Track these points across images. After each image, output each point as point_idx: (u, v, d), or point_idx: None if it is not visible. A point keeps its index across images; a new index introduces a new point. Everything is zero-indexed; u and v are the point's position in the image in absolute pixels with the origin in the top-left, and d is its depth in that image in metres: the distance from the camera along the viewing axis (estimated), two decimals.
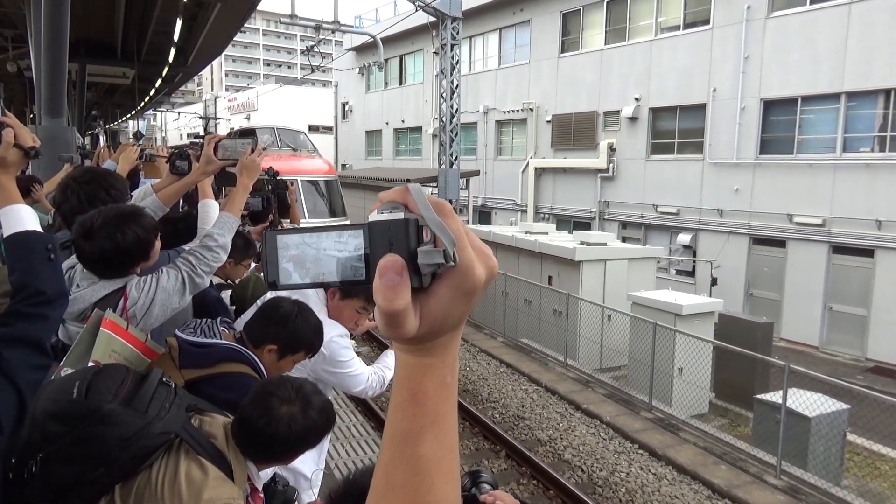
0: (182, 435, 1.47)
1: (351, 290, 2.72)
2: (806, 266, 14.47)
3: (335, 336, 2.61)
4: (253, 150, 2.57)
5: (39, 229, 1.62)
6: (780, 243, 15.02)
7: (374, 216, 0.55)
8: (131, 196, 2.83)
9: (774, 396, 8.33)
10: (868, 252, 13.41)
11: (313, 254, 0.56)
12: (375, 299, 0.53)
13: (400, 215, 0.54)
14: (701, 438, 8.52)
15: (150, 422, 1.40)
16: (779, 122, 15.17)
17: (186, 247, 2.61)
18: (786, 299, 14.95)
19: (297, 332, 2.18)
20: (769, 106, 15.26)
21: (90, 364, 1.81)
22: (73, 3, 7.41)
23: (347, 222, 15.72)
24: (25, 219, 1.59)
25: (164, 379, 1.52)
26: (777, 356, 12.48)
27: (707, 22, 16.43)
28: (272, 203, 4.70)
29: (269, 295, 2.54)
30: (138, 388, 1.44)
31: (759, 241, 15.53)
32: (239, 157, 2.57)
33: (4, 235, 1.59)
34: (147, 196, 2.76)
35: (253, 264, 3.75)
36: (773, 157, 15.12)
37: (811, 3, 14.27)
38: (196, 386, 1.95)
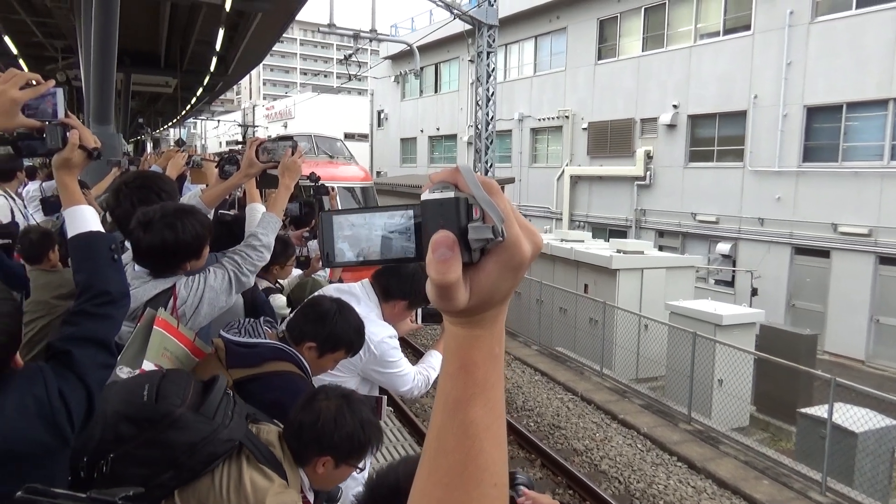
0: (245, 442, 1.51)
1: (393, 292, 2.74)
2: (851, 277, 14.04)
3: (386, 337, 2.63)
4: (293, 152, 2.62)
5: (101, 229, 1.66)
6: (824, 253, 14.62)
7: (426, 195, 0.57)
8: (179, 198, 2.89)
9: (819, 411, 8.09)
10: None
11: (366, 234, 0.59)
12: (428, 273, 0.56)
13: (450, 194, 0.56)
14: (742, 452, 8.31)
15: (217, 428, 1.43)
16: (823, 130, 14.80)
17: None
18: (830, 311, 14.53)
19: (336, 330, 2.19)
20: (813, 113, 14.89)
21: (145, 363, 1.85)
22: (120, 15, 7.64)
23: None
24: (89, 219, 1.63)
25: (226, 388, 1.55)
26: (821, 369, 12.12)
27: (748, 27, 16.15)
28: (315, 208, 4.77)
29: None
30: (204, 394, 1.48)
31: (801, 250, 15.14)
32: (280, 160, 2.62)
33: (69, 236, 1.63)
34: (192, 200, 2.82)
35: (300, 270, 3.81)
36: (817, 165, 14.74)
37: (857, 7, 13.91)
38: (243, 385, 1.97)
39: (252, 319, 2.24)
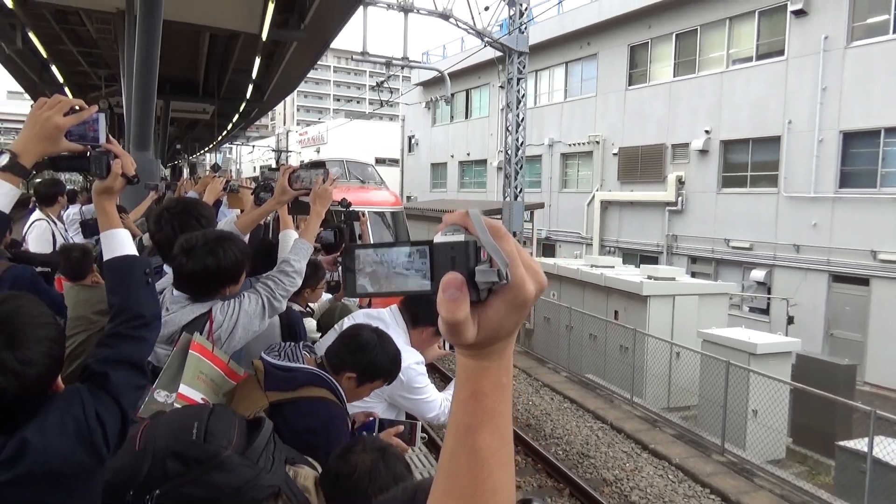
0: (284, 489, 1.52)
1: (421, 318, 2.77)
2: (892, 306, 13.65)
3: (413, 363, 2.66)
4: (325, 180, 2.68)
5: (136, 253, 1.72)
6: (863, 281, 14.26)
7: (439, 238, 0.63)
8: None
9: (859, 444, 7.84)
10: None
11: (385, 271, 0.65)
12: (439, 311, 0.61)
13: (461, 237, 0.62)
14: (777, 485, 8.08)
15: (259, 473, 1.44)
16: (860, 155, 14.53)
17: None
18: (870, 341, 14.11)
19: (376, 361, 2.22)
20: (849, 138, 14.65)
21: (182, 386, 1.90)
22: (161, 45, 7.92)
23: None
24: (125, 243, 1.68)
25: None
26: (861, 401, 11.75)
27: (781, 53, 16.02)
28: (345, 233, 4.85)
29: (348, 322, 2.61)
30: (250, 435, 1.49)
31: (839, 278, 14.79)
32: (312, 187, 2.69)
33: (105, 258, 1.68)
34: (228, 227, 2.91)
35: (330, 295, 3.88)
36: (854, 191, 14.45)
37: (895, 31, 13.73)
38: (279, 408, 2.01)
39: (292, 344, 2.29)
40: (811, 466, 9.68)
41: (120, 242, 1.68)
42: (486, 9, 16.03)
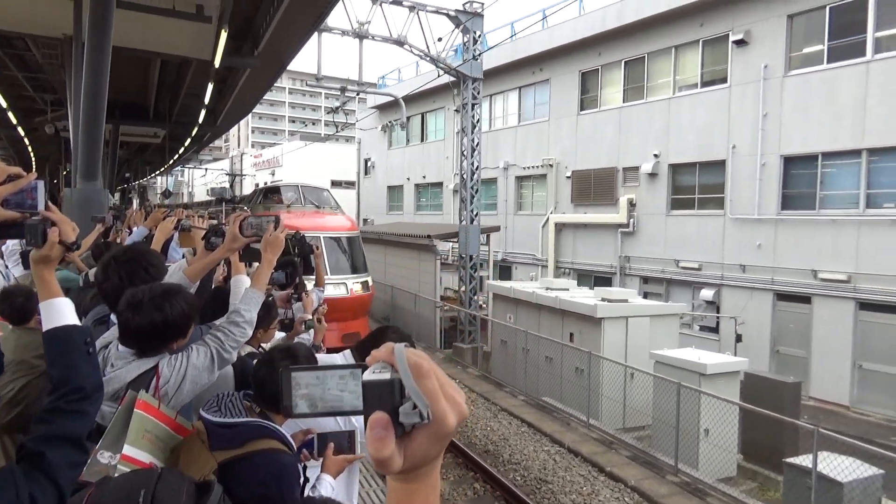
0: None
1: None
2: (833, 323, 14.22)
3: None
4: (276, 227, 2.69)
5: (78, 322, 1.68)
6: (806, 299, 14.82)
7: (367, 375, 0.68)
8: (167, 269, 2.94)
9: (805, 460, 8.10)
10: None
11: (320, 393, 0.70)
12: (367, 446, 0.66)
13: (387, 375, 0.66)
14: (730, 503, 8.26)
15: None
16: (800, 178, 15.18)
17: (216, 322, 2.71)
18: (813, 357, 14.64)
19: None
20: (790, 162, 15.30)
21: (126, 447, 1.86)
22: (110, 70, 7.78)
23: (368, 280, 15.86)
24: (65, 312, 1.64)
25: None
26: (807, 416, 12.18)
27: (725, 80, 16.68)
28: (297, 269, 4.83)
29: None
30: (199, 500, 1.47)
31: (783, 296, 15.34)
32: (263, 234, 2.69)
33: (44, 329, 1.64)
34: (176, 275, 2.87)
35: (283, 334, 3.84)
36: (796, 213, 15.07)
37: (829, 61, 14.46)
38: (229, 467, 1.98)
39: (231, 394, 2.25)
40: (761, 483, 9.94)
41: (59, 312, 1.64)
42: (440, 39, 16.25)
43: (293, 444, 2.21)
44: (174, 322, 2.22)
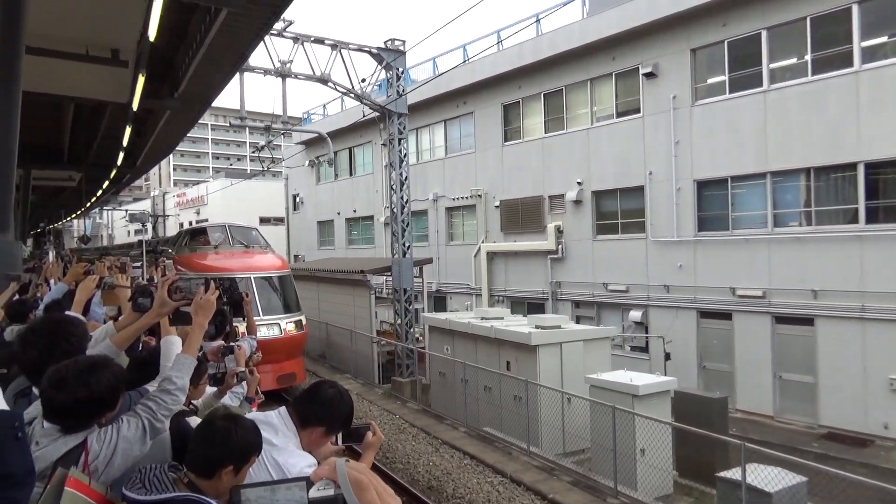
0: None
1: (311, 419, 2.75)
2: (752, 337, 14.96)
3: (305, 467, 2.61)
4: (206, 290, 2.65)
5: (5, 406, 1.62)
6: (726, 316, 15.55)
7: (313, 492, 0.77)
8: (90, 337, 2.84)
9: (735, 473, 8.42)
10: (808, 321, 13.99)
11: None
12: None
13: (331, 492, 0.75)
14: None
15: None
16: (713, 201, 16.03)
17: (147, 386, 2.63)
18: (737, 370, 15.33)
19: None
20: (702, 186, 16.15)
21: None
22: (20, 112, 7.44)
23: (302, 319, 15.59)
24: None
25: None
26: (734, 427, 12.69)
27: (638, 110, 17.52)
28: (227, 318, 4.73)
29: None
30: None
31: (706, 314, 16.04)
32: (192, 297, 2.64)
33: None
34: (108, 336, 2.78)
35: (214, 388, 3.75)
36: (711, 234, 15.87)
37: (731, 91, 15.44)
38: None
39: (157, 467, 2.14)
40: (697, 498, 10.26)
41: None
42: (363, 80, 16.39)
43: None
44: (101, 397, 2.15)
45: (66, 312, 3.47)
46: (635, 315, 17.43)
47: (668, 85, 16.64)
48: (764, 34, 14.71)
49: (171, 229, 42.99)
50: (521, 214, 21.09)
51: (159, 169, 79.82)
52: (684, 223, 16.36)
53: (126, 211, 50.65)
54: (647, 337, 17.28)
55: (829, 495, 8.37)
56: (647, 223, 17.20)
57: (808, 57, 14.09)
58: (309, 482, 0.73)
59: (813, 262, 13.89)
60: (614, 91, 18.28)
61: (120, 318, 3.01)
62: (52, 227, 37.61)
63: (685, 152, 16.29)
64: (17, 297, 5.54)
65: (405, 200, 17.67)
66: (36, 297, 6.17)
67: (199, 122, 16.61)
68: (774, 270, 14.54)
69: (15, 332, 2.96)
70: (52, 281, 7.30)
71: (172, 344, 2.77)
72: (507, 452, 11.36)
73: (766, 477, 8.09)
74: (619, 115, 18.15)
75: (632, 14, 17.00)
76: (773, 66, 14.71)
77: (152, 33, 7.50)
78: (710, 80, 16.10)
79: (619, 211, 18.31)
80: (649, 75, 16.90)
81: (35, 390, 2.48)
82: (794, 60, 14.49)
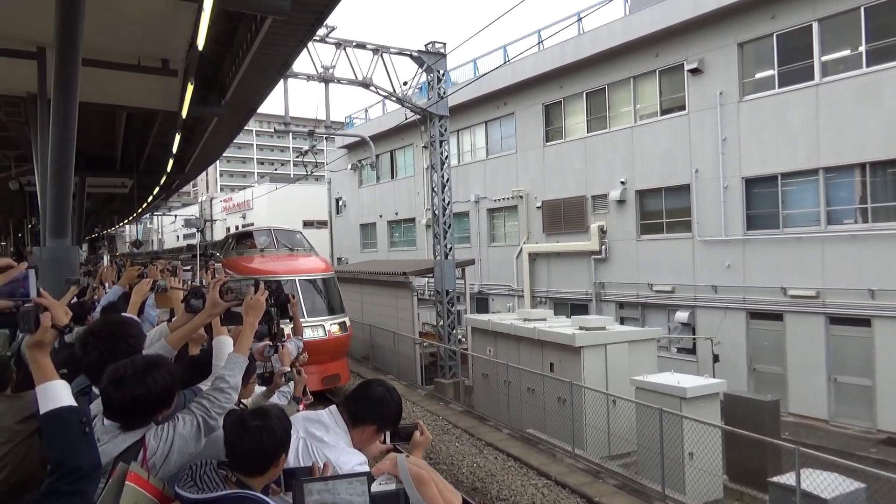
0: None
1: (361, 416, 2.77)
2: (805, 338, 14.50)
3: (356, 465, 2.64)
4: (256, 290, 2.71)
5: (74, 403, 1.70)
6: (778, 316, 15.10)
7: (375, 486, 0.77)
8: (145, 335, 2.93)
9: (789, 479, 8.17)
10: (865, 322, 13.49)
11: (331, 499, 0.75)
12: None
13: (392, 486, 0.74)
14: None
15: None
16: (762, 199, 15.61)
17: (201, 386, 2.70)
18: (789, 373, 14.88)
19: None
20: (751, 184, 15.73)
21: None
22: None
23: (346, 320, 15.77)
24: (60, 395, 1.67)
25: None
26: (787, 432, 12.32)
27: (683, 108, 17.18)
28: (273, 319, 4.82)
29: None
30: None
31: (755, 315, 15.62)
32: (243, 298, 2.70)
33: (41, 412, 1.67)
34: (162, 336, 2.87)
35: (263, 388, 3.82)
36: (761, 233, 15.45)
37: (780, 86, 15.01)
38: None
39: (206, 464, 2.17)
40: (748, 503, 9.99)
41: (55, 395, 1.67)
42: (405, 83, 16.52)
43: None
44: (157, 395, 2.23)
45: (122, 314, 3.59)
46: (682, 316, 17.07)
47: (715, 81, 16.27)
48: (815, 25, 14.25)
49: (219, 233, 44.05)
50: (564, 215, 20.90)
51: (206, 175, 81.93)
52: (732, 222, 15.96)
53: (175, 216, 52.13)
54: (694, 338, 16.91)
55: (891, 502, 8.05)
56: (694, 222, 16.84)
57: (862, 48, 13.59)
58: (370, 477, 0.73)
59: (870, 261, 13.38)
60: (658, 88, 17.96)
61: (173, 320, 3.10)
62: (105, 232, 38.95)
63: (733, 149, 15.90)
64: (75, 299, 5.76)
65: (447, 202, 17.71)
66: (93, 300, 6.40)
67: (244, 128, 16.96)
68: (828, 269, 14.06)
69: (74, 333, 3.08)
70: (107, 284, 7.56)
71: (224, 344, 2.84)
72: (552, 454, 11.26)
73: (821, 482, 7.82)
74: (664, 112, 17.83)
75: (676, 9, 16.68)
76: (824, 58, 14.24)
77: (201, 42, 7.69)
78: (758, 75, 15.67)
79: (664, 210, 17.98)
80: (694, 71, 16.56)
81: (94, 389, 2.57)
82: (847, 52, 14.00)
